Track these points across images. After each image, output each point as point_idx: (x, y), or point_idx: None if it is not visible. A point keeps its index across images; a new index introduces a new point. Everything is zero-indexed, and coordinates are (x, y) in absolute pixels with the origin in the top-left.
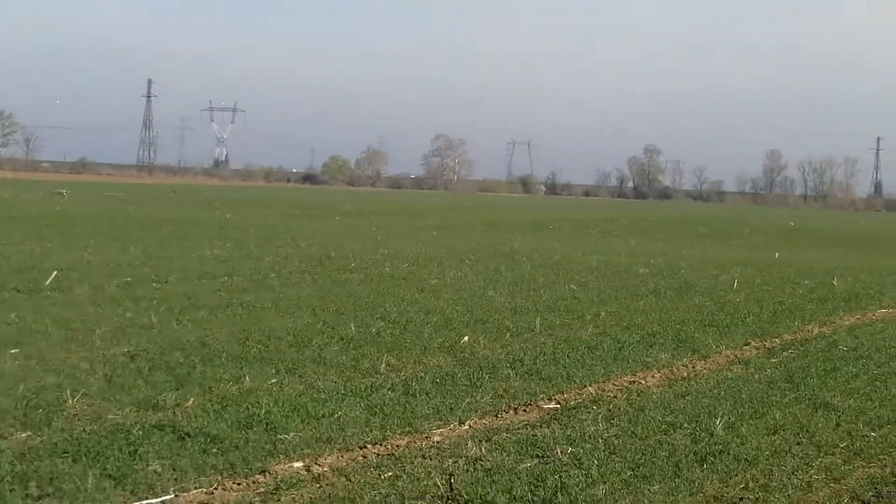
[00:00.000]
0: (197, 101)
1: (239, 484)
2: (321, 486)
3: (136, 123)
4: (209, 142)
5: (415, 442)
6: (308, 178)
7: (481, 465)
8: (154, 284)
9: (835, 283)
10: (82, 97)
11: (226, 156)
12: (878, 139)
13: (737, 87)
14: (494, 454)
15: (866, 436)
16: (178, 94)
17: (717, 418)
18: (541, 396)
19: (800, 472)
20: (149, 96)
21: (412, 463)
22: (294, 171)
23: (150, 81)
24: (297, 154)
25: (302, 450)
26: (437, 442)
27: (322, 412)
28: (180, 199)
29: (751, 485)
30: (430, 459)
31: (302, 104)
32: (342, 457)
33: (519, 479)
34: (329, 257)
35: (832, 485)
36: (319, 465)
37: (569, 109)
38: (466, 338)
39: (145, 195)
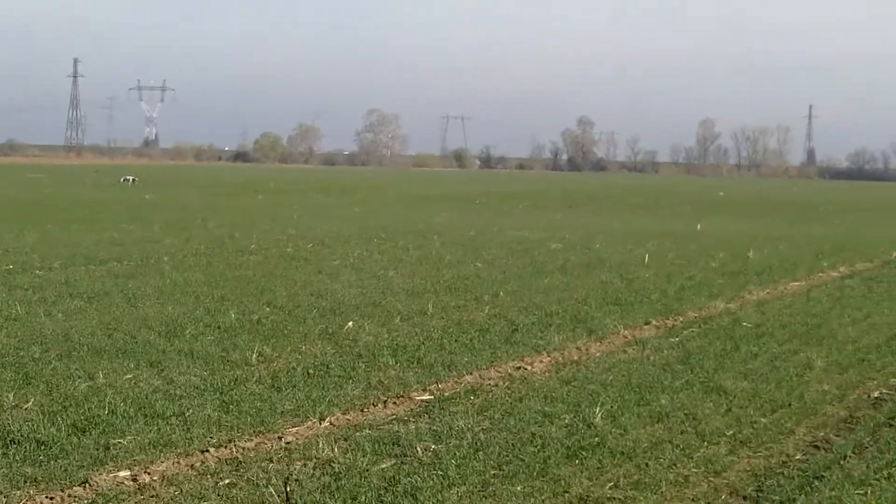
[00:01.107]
0: (126, 80)
1: (51, 499)
2: (144, 499)
3: (65, 104)
4: (139, 121)
5: (265, 443)
6: (239, 156)
7: (331, 469)
8: (37, 272)
9: (750, 255)
10: (8, 77)
11: (155, 135)
12: (811, 107)
13: (670, 57)
14: (349, 455)
15: (756, 422)
16: (107, 74)
17: (597, 407)
18: (415, 387)
19: (679, 464)
20: (75, 76)
21: (255, 468)
22: (226, 149)
23: (76, 60)
24: (229, 132)
25: (135, 455)
26: (289, 443)
27: (171, 411)
28: (107, 179)
29: (622, 482)
30: (277, 463)
31: (233, 81)
32: (179, 462)
33: (369, 483)
34: (232, 238)
35: (711, 479)
36: (149, 474)
37: (503, 83)
38: (351, 323)
39: (70, 176)
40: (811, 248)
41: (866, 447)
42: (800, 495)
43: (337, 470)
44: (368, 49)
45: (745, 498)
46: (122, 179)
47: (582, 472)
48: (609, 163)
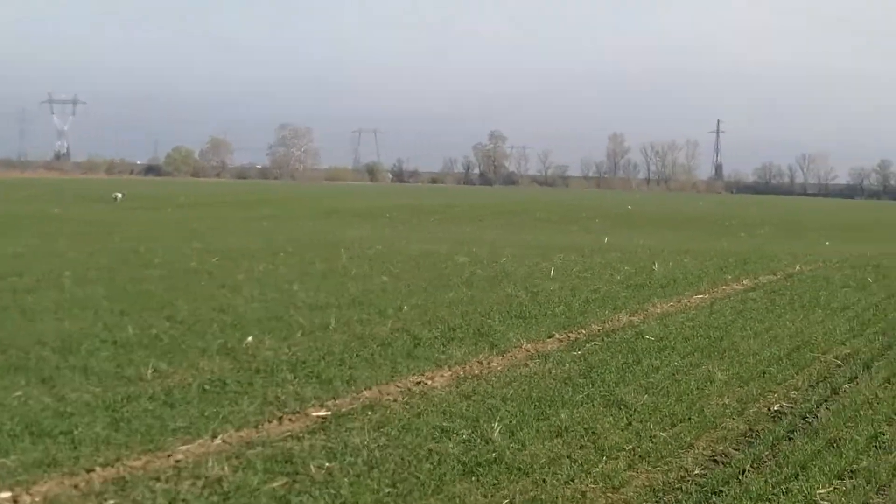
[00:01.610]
0: (37, 94)
1: None
2: None
3: None
4: (51, 135)
5: (154, 462)
6: (151, 169)
7: (220, 488)
8: None
9: (655, 268)
10: None
11: (67, 148)
12: (718, 122)
13: (580, 72)
14: (239, 474)
15: (656, 436)
16: (17, 87)
17: (496, 422)
18: (313, 403)
19: (576, 480)
20: None
21: (142, 487)
22: (138, 162)
23: None
24: (142, 146)
25: (17, 476)
26: (179, 461)
27: (59, 429)
28: (16, 193)
29: (518, 498)
30: (165, 483)
31: (145, 94)
32: (63, 483)
33: (258, 503)
34: (137, 252)
35: (609, 494)
36: (31, 495)
37: (416, 97)
38: (251, 338)
39: None
40: (716, 261)
41: (765, 461)
42: None
43: (226, 489)
44: (280, 62)
45: None
46: (113, 196)
47: (478, 489)
48: (520, 177)
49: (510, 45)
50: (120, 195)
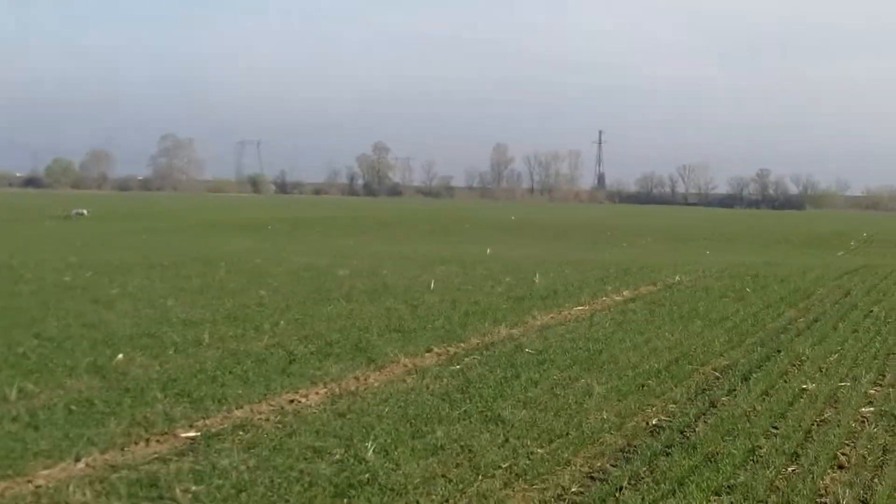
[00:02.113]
0: None
1: None
2: None
3: None
4: None
5: (12, 488)
6: (31, 181)
7: None
8: None
9: (536, 279)
10: None
11: None
12: (600, 132)
13: (463, 83)
14: (102, 499)
15: (533, 453)
16: None
17: (370, 441)
18: (182, 423)
19: (451, 500)
20: None
21: None
22: (17, 175)
23: None
24: (21, 158)
25: None
26: (39, 486)
27: None
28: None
29: None
30: None
31: (24, 105)
32: None
33: None
34: (9, 267)
35: None
36: None
37: (299, 107)
38: (121, 355)
39: None
40: (597, 272)
41: (642, 478)
42: None
43: None
44: (161, 72)
45: None
46: (73, 213)
47: None
48: (405, 187)
49: (391, 55)
50: (84, 211)
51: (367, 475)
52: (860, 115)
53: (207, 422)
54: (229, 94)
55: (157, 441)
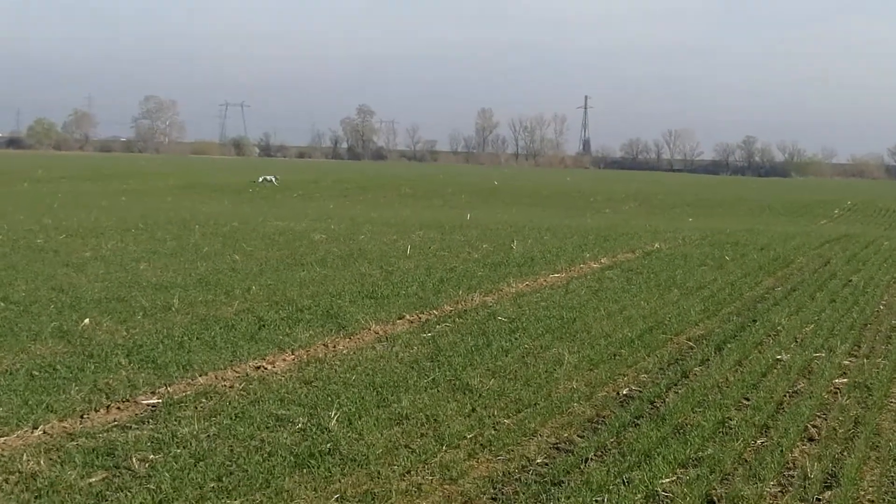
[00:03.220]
0: None
1: None
2: None
3: None
4: None
5: None
6: (13, 142)
7: (33, 485)
8: None
9: (514, 246)
10: None
11: None
12: (586, 97)
13: (448, 46)
14: (57, 468)
15: (500, 423)
16: None
17: (334, 410)
18: (144, 389)
19: (413, 472)
20: None
21: None
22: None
23: None
24: (3, 118)
25: None
26: None
27: None
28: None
29: (350, 492)
30: None
31: (6, 65)
32: None
33: (73, 499)
34: None
35: (446, 487)
36: None
37: (283, 70)
38: (88, 320)
39: None
40: (575, 239)
41: (609, 449)
42: (535, 503)
43: (39, 486)
44: (144, 33)
45: None
46: (260, 180)
47: (308, 483)
48: (389, 151)
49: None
50: (272, 178)
51: (328, 445)
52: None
53: (170, 389)
54: (214, 56)
55: (118, 408)
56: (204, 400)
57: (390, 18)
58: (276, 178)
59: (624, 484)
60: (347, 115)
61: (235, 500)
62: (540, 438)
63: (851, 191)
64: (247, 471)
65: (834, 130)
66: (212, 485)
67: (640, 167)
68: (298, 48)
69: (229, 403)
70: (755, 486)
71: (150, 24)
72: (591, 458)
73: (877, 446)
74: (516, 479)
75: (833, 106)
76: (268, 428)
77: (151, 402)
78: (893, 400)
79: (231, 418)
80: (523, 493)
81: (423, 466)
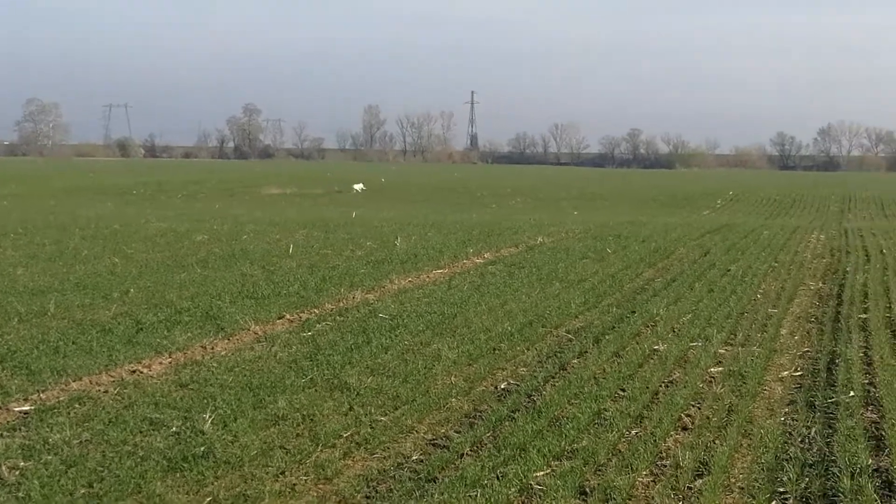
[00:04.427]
0: None
1: None
2: None
3: None
4: None
5: None
6: None
7: None
8: None
9: (397, 243)
10: None
11: None
12: (472, 93)
13: (333, 44)
14: None
15: (377, 421)
16: None
17: (208, 412)
18: (17, 396)
19: (288, 472)
20: None
21: None
22: None
23: None
24: None
25: None
26: None
27: None
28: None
29: (222, 495)
30: None
31: None
32: None
33: None
34: None
35: (321, 486)
36: None
37: (167, 70)
38: None
39: None
40: (460, 235)
41: (485, 444)
42: (409, 501)
43: None
44: (28, 35)
45: None
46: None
47: (181, 487)
48: (276, 150)
49: (261, 15)
50: (357, 187)
51: (202, 448)
52: (729, 75)
53: (43, 395)
54: (97, 58)
55: None
56: (77, 405)
57: (276, 16)
58: (361, 187)
59: (498, 478)
60: (233, 115)
61: None
62: (417, 435)
63: (734, 181)
64: (119, 476)
65: (718, 122)
66: (83, 491)
67: (528, 161)
68: (184, 48)
69: (103, 409)
70: (628, 476)
71: (29, 27)
72: (467, 454)
73: (749, 434)
74: (391, 477)
75: (716, 97)
76: (141, 432)
77: (24, 409)
78: (767, 388)
79: (104, 423)
80: (398, 491)
81: (298, 467)
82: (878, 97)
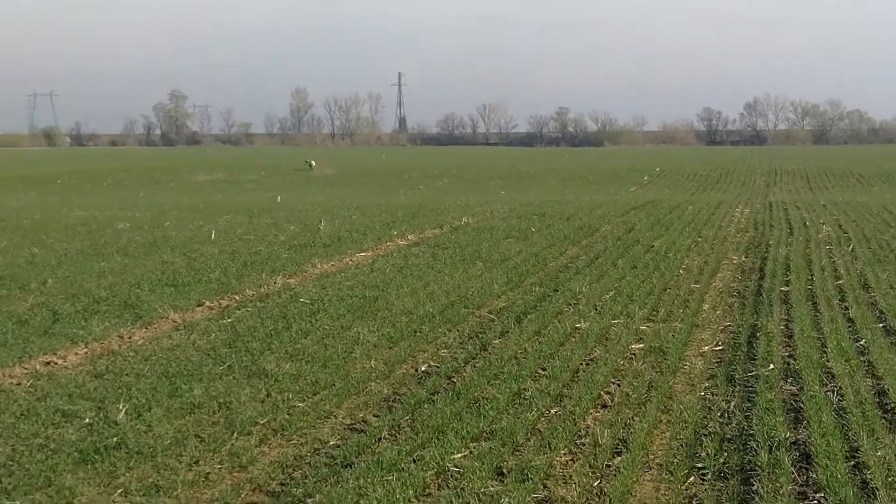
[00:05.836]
0: None
1: None
2: None
3: None
4: None
5: None
6: None
7: None
8: None
9: (321, 226)
10: None
11: None
12: (400, 74)
13: (256, 26)
14: None
15: (294, 407)
16: None
17: (123, 402)
18: None
19: (202, 461)
20: None
21: None
22: None
23: None
24: None
25: None
26: None
27: None
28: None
29: (134, 486)
30: None
31: None
32: None
33: None
34: None
35: (235, 474)
36: None
37: (91, 58)
38: None
39: None
40: (384, 217)
41: (403, 427)
42: (324, 486)
43: None
44: None
45: (268, 494)
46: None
47: (92, 479)
48: (204, 136)
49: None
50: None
51: (115, 439)
52: (657, 49)
53: None
54: (18, 46)
55: None
56: None
57: (200, 1)
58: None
59: (415, 461)
60: (160, 101)
61: (15, 500)
62: (335, 420)
63: (661, 157)
64: (28, 470)
65: (645, 99)
66: None
67: (457, 142)
68: (107, 35)
69: (15, 401)
70: (546, 455)
71: None
72: (384, 438)
73: (668, 409)
74: (307, 463)
75: (641, 74)
76: (53, 424)
77: None
78: (688, 363)
79: (15, 416)
80: (313, 477)
81: (213, 455)
82: (807, 71)
